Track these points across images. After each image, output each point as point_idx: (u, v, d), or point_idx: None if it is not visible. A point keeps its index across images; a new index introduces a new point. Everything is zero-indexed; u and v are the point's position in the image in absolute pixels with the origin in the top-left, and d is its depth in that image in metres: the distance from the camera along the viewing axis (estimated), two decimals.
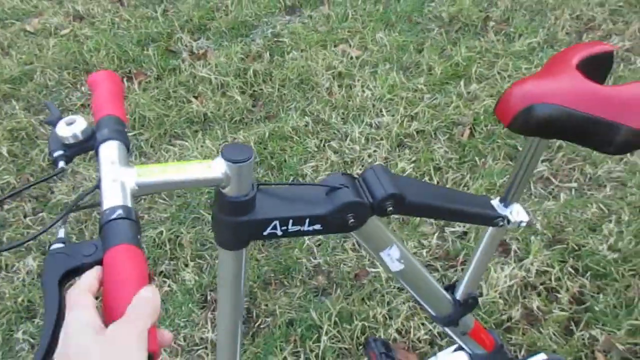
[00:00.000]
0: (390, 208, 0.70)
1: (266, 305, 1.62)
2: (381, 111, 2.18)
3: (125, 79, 2.51)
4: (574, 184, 1.87)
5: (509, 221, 0.84)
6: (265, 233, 0.66)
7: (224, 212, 0.63)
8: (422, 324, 1.53)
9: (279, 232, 0.66)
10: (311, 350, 1.50)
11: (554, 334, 1.48)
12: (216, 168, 0.59)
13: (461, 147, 2.02)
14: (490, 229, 0.89)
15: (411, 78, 2.32)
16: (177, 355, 1.53)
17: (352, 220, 0.68)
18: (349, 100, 2.24)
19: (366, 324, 1.54)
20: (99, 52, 2.63)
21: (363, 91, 2.27)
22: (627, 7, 2.57)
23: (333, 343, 1.51)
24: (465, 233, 1.75)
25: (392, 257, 0.80)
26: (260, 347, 1.52)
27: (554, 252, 1.65)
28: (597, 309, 1.52)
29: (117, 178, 0.55)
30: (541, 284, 1.59)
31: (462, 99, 2.19)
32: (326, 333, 1.52)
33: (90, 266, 0.48)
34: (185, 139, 2.18)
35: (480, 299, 1.55)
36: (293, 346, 1.51)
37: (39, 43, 2.74)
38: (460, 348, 1.13)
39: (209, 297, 1.65)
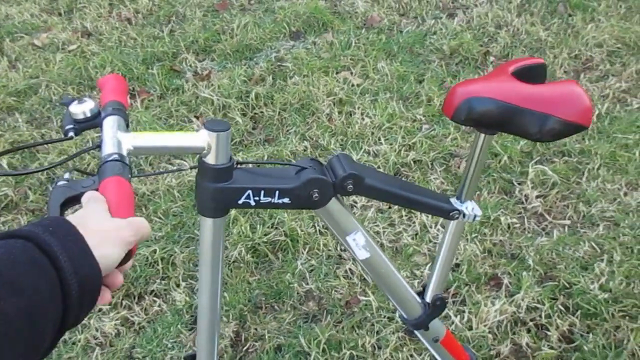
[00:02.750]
0: (350, 187, 0.79)
1: (255, 329, 1.62)
2: (379, 139, 2.20)
3: (128, 97, 2.54)
4: (567, 222, 1.88)
5: (464, 215, 0.92)
6: (240, 202, 0.75)
7: (205, 179, 0.73)
8: (411, 355, 1.53)
9: (252, 202, 0.75)
10: None
11: None
12: (199, 137, 0.69)
13: (457, 178, 2.04)
14: (450, 225, 0.96)
15: (410, 108, 2.35)
16: None
17: (317, 195, 0.77)
18: (348, 127, 2.26)
19: (355, 352, 1.53)
20: (104, 69, 2.67)
21: (362, 119, 2.30)
22: (625, 48, 2.62)
23: None
24: (457, 265, 1.75)
25: (358, 244, 0.86)
26: None
27: (545, 289, 1.66)
28: (586, 348, 1.52)
29: (116, 136, 0.67)
30: (531, 320, 1.59)
31: (460, 132, 2.22)
32: None
33: None
34: (185, 158, 2.20)
35: (469, 332, 1.55)
36: None
37: (45, 57, 2.78)
38: None
39: None
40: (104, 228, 0.51)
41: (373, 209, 1.93)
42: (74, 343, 1.60)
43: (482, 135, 0.86)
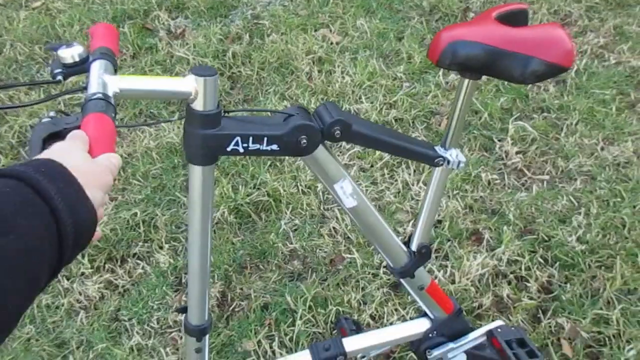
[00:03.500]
0: (338, 133, 0.80)
1: (241, 289, 1.62)
2: (360, 98, 2.18)
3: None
4: (546, 177, 1.91)
5: (448, 162, 0.93)
6: (228, 149, 0.74)
7: (192, 126, 0.72)
8: (395, 309, 1.56)
9: (241, 149, 0.75)
10: (285, 334, 1.51)
11: (523, 321, 1.53)
12: (187, 83, 0.69)
13: (438, 136, 2.04)
14: (435, 173, 0.97)
15: (391, 66, 2.32)
16: (150, 338, 1.52)
17: (305, 142, 0.77)
18: (329, 86, 2.23)
19: (340, 308, 1.55)
20: (72, 27, 2.56)
21: (343, 77, 2.27)
22: (603, 4, 2.62)
23: (307, 327, 1.52)
24: (439, 222, 1.77)
25: (345, 191, 0.87)
26: (234, 330, 1.52)
27: (525, 242, 1.69)
28: (564, 298, 1.57)
29: (102, 78, 0.67)
30: (511, 272, 1.63)
31: (441, 89, 2.21)
32: (301, 317, 1.53)
33: (70, 130, 0.58)
34: (162, 119, 2.14)
35: (452, 286, 1.58)
36: (267, 330, 1.52)
37: (8, 15, 2.64)
38: (423, 315, 1.17)
39: (183, 280, 1.64)
40: (88, 170, 0.51)
41: (355, 168, 1.93)
42: (57, 307, 1.58)
43: (467, 80, 0.87)
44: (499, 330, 1.16)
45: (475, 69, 0.84)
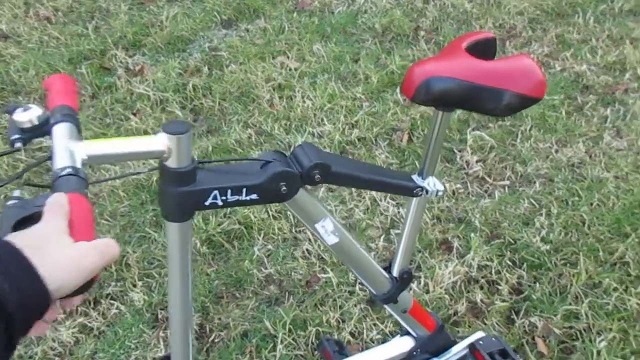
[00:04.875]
0: (318, 177, 0.78)
1: (219, 319, 1.62)
2: (322, 120, 2.23)
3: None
4: (507, 182, 1.99)
5: (427, 191, 0.93)
6: (207, 203, 0.72)
7: (167, 184, 0.69)
8: (374, 324, 1.58)
9: (220, 202, 0.72)
10: None
11: (497, 324, 1.57)
12: (158, 141, 0.65)
13: (401, 151, 2.10)
14: (414, 201, 0.97)
15: (349, 87, 2.39)
16: None
17: (285, 188, 0.76)
18: (291, 111, 2.27)
19: (320, 329, 1.56)
20: (28, 72, 2.54)
21: (304, 101, 2.31)
22: (544, 15, 2.76)
23: (289, 350, 1.52)
24: None
25: (327, 230, 0.87)
26: None
27: (493, 247, 1.75)
28: (534, 297, 1.62)
29: (67, 146, 0.62)
30: (483, 277, 1.68)
31: (399, 106, 2.28)
32: (281, 341, 1.53)
33: (40, 214, 0.52)
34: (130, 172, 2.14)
35: (427, 296, 1.62)
36: (249, 357, 1.51)
37: None
38: (406, 333, 1.18)
39: (159, 316, 1.62)
40: (66, 254, 0.48)
41: (323, 189, 1.96)
42: (30, 357, 1.54)
43: (440, 112, 0.87)
44: (481, 342, 1.18)
45: (450, 103, 0.84)
